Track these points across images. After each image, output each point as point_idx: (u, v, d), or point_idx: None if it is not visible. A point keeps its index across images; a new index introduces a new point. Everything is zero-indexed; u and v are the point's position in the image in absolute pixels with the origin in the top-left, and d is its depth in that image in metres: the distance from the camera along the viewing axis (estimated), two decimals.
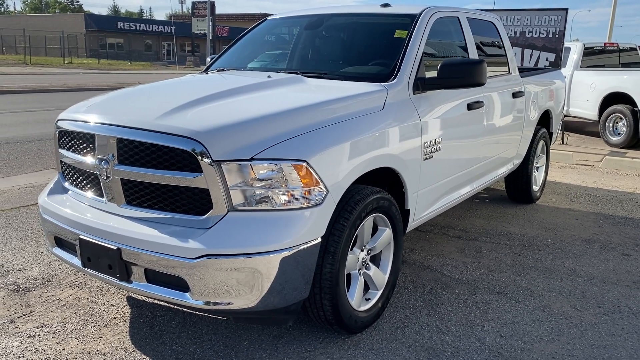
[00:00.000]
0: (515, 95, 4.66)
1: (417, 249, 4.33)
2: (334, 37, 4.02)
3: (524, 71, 5.87)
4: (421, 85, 3.33)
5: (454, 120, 3.67)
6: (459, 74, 3.29)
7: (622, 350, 2.90)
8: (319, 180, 2.53)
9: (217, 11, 53.22)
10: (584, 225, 5.06)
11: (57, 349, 2.80)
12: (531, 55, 9.28)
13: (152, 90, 3.35)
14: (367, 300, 3.06)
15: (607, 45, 11.68)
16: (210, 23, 41.35)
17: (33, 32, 49.32)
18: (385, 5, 3.99)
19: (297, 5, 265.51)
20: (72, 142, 2.88)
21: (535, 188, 5.74)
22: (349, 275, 2.93)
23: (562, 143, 9.92)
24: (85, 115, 2.83)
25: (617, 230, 4.92)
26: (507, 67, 4.74)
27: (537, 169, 5.81)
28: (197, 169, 2.42)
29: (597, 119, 10.14)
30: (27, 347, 2.82)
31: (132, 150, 2.57)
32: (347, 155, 2.70)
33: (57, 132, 3.01)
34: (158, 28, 59.63)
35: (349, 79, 3.37)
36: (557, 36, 8.98)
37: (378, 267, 3.14)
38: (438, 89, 3.38)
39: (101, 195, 2.77)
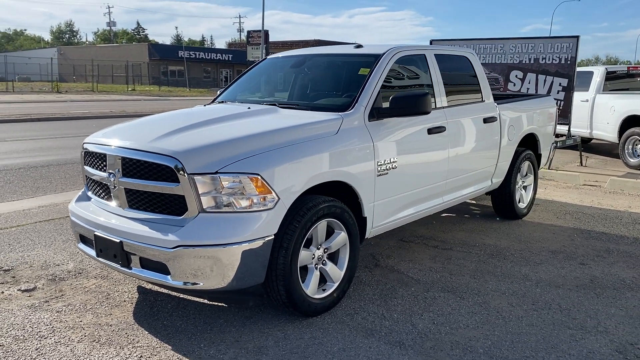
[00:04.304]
0: (486, 120, 5.23)
1: (393, 256, 4.93)
2: (312, 74, 4.76)
3: (509, 98, 6.42)
4: (376, 113, 4.00)
5: (412, 143, 4.30)
6: (406, 104, 3.94)
7: (532, 337, 3.42)
8: (271, 190, 3.24)
9: (274, 39, 55.31)
10: (557, 238, 5.50)
11: (76, 320, 3.61)
12: (545, 80, 9.72)
13: (157, 119, 4.17)
14: (324, 290, 3.72)
15: (631, 69, 11.87)
16: (263, 50, 43.12)
17: (101, 62, 52.91)
18: (359, 46, 4.70)
19: (354, 30, 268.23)
20: (92, 160, 3.73)
21: (522, 205, 6.21)
22: (307, 268, 3.61)
23: (581, 165, 10.21)
24: (101, 139, 3.68)
25: (587, 243, 5.35)
26: (480, 95, 5.32)
27: (524, 187, 6.29)
28: (176, 180, 3.19)
29: (617, 141, 10.37)
30: (54, 318, 3.64)
31: (132, 166, 3.38)
32: (297, 170, 3.40)
33: (82, 153, 3.87)
34: (216, 56, 62.46)
35: (315, 109, 4.09)
36: (569, 62, 9.40)
37: (336, 264, 3.79)
38: (390, 117, 4.03)
39: (111, 201, 3.59)
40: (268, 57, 5.23)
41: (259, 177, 3.20)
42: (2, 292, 4.05)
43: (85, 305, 3.85)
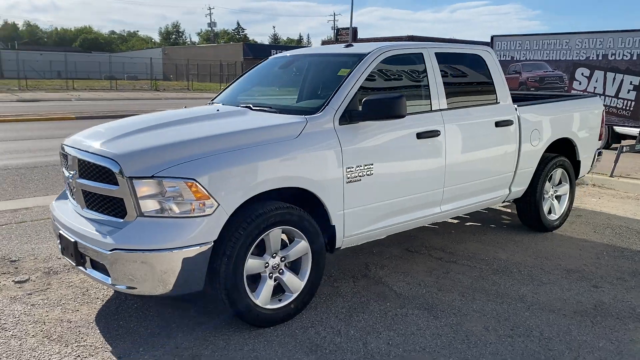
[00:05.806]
0: (499, 123, 4.80)
1: (388, 266, 4.67)
2: (297, 75, 4.60)
3: (546, 98, 5.88)
4: (349, 117, 3.78)
5: (395, 148, 4.02)
6: (379, 108, 3.68)
7: None
8: (210, 195, 3.16)
9: (373, 35, 54.98)
10: (581, 256, 4.95)
11: (43, 315, 3.74)
12: (614, 79, 8.88)
13: (125, 122, 4.11)
14: (280, 300, 3.58)
15: None
16: None
17: (200, 61, 55.49)
18: (349, 45, 4.48)
19: (455, 26, 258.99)
20: (63, 161, 3.85)
21: (553, 217, 5.66)
22: (259, 276, 3.49)
23: None
24: (69, 141, 3.78)
25: (613, 263, 4.76)
26: (495, 96, 4.89)
27: (557, 197, 5.73)
28: (116, 182, 3.20)
29: None
30: (25, 312, 3.79)
31: (85, 168, 3.44)
32: (242, 175, 3.28)
33: (60, 153, 4.00)
34: None
35: (284, 112, 3.93)
36: None
37: (297, 274, 3.64)
38: (364, 121, 3.80)
39: (75, 201, 3.68)
40: (270, 57, 5.15)
41: (195, 182, 3.13)
42: None
43: (61, 300, 3.98)
